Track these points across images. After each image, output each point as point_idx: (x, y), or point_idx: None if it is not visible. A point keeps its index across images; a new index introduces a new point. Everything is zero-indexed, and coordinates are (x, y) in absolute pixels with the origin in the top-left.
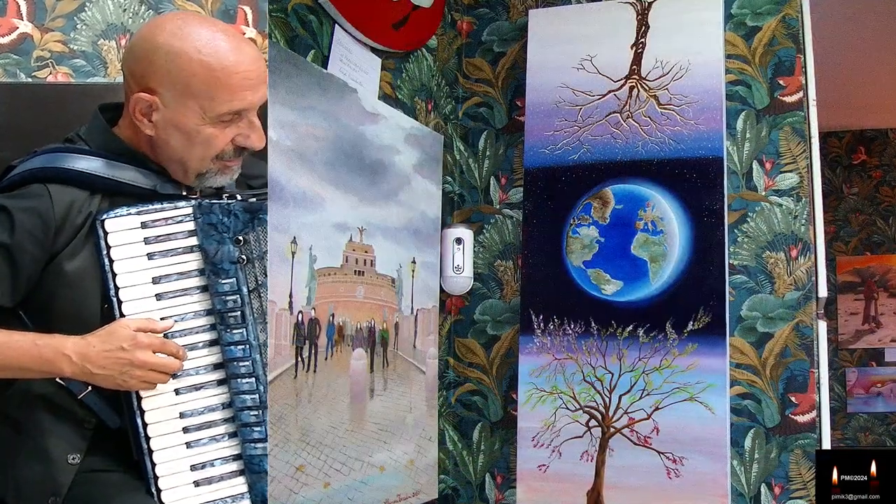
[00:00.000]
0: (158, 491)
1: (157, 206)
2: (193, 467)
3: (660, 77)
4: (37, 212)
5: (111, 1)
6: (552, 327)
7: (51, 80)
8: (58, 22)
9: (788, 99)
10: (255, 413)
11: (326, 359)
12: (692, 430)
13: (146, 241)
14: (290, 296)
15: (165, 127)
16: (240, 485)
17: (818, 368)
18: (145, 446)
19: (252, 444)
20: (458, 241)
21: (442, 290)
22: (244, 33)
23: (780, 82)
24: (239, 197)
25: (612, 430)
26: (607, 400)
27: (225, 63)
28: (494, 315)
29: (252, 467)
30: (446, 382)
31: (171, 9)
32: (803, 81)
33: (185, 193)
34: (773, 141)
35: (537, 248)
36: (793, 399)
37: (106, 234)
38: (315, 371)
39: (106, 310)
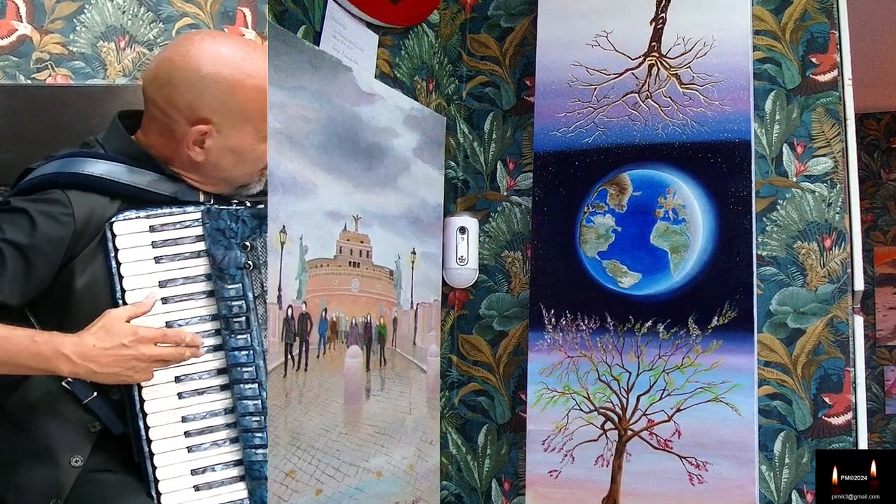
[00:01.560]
0: (158, 494)
1: (166, 210)
2: (194, 471)
3: (682, 54)
4: (56, 218)
5: (110, 3)
6: (564, 323)
7: (50, 82)
8: (57, 24)
9: (821, 78)
10: (258, 419)
11: (319, 357)
12: (717, 434)
13: (154, 244)
14: (279, 289)
15: (218, 151)
16: (240, 490)
17: (854, 367)
18: (146, 449)
19: (253, 450)
20: (462, 230)
21: (444, 283)
22: (243, 35)
23: (813, 60)
24: (248, 203)
25: (629, 433)
26: (624, 401)
27: (263, 81)
28: (501, 310)
29: (252, 473)
30: (449, 382)
31: (169, 11)
32: (838, 59)
33: (201, 200)
34: (804, 123)
35: (548, 237)
36: (826, 400)
37: (114, 236)
38: (306, 370)
39: None
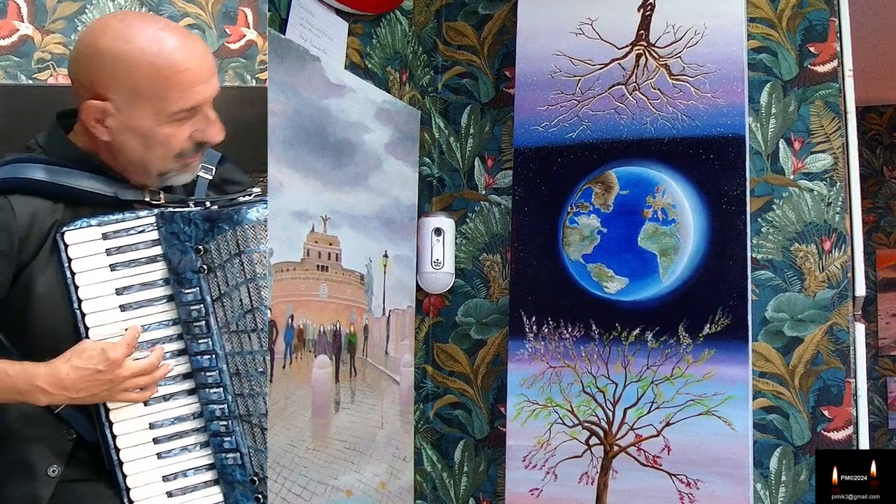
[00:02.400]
0: (131, 502)
1: (119, 216)
2: (166, 478)
3: (671, 43)
4: (1, 227)
5: (112, 3)
6: (546, 331)
7: (51, 82)
8: (58, 24)
9: (820, 69)
10: (225, 423)
11: (284, 367)
12: (709, 449)
13: (108, 252)
14: None
15: (121, 132)
16: (214, 494)
17: (855, 378)
18: (115, 458)
19: (223, 455)
20: (438, 231)
21: (419, 289)
22: (244, 35)
23: (811, 49)
24: (208, 203)
25: (615, 448)
26: (610, 414)
27: (172, 61)
28: (479, 317)
29: (226, 477)
30: (424, 394)
31: (170, 10)
32: (837, 48)
33: (147, 199)
34: (802, 117)
35: (529, 239)
36: (826, 413)
37: (66, 246)
38: (271, 381)
39: (73, 323)
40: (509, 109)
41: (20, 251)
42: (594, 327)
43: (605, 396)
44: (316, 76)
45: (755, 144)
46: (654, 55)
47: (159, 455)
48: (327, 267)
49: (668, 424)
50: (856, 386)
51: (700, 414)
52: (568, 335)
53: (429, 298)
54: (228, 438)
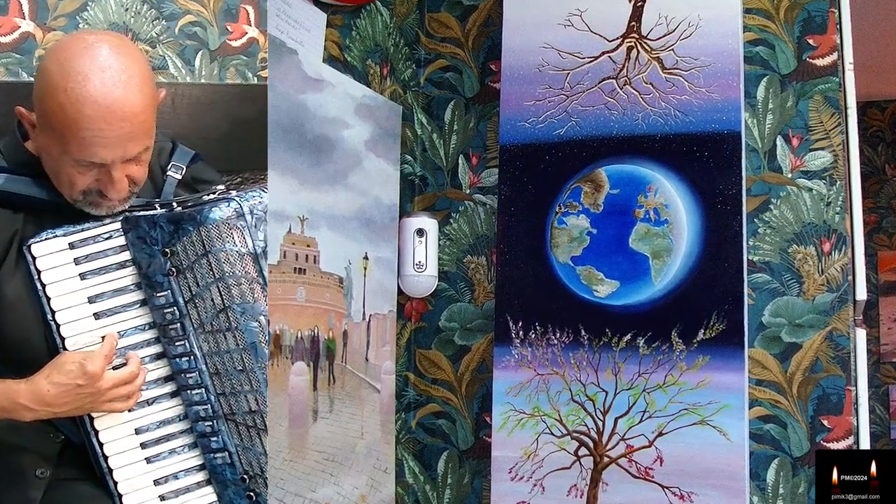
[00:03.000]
0: None
1: (83, 225)
2: (157, 482)
3: (664, 36)
4: None
5: (113, 0)
6: (533, 336)
7: None
8: (60, 21)
9: (819, 62)
10: (210, 423)
11: None
12: (703, 460)
13: (76, 261)
14: None
15: (39, 149)
16: (208, 494)
17: (856, 386)
18: (105, 465)
19: (212, 455)
20: (420, 232)
21: (400, 292)
22: (246, 33)
23: (810, 42)
24: (175, 204)
25: (605, 459)
26: (600, 424)
27: (79, 114)
28: (464, 322)
29: (217, 477)
30: (405, 403)
31: (172, 9)
32: (838, 41)
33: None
34: (800, 112)
35: (515, 241)
36: (825, 423)
37: (34, 259)
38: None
39: (48, 334)
40: (495, 105)
41: None
42: (583, 333)
43: (594, 405)
44: (293, 70)
45: (751, 141)
46: (646, 48)
47: (148, 460)
48: (305, 269)
49: (660, 434)
50: (856, 394)
51: (694, 424)
52: (556, 341)
53: (411, 302)
54: (215, 438)
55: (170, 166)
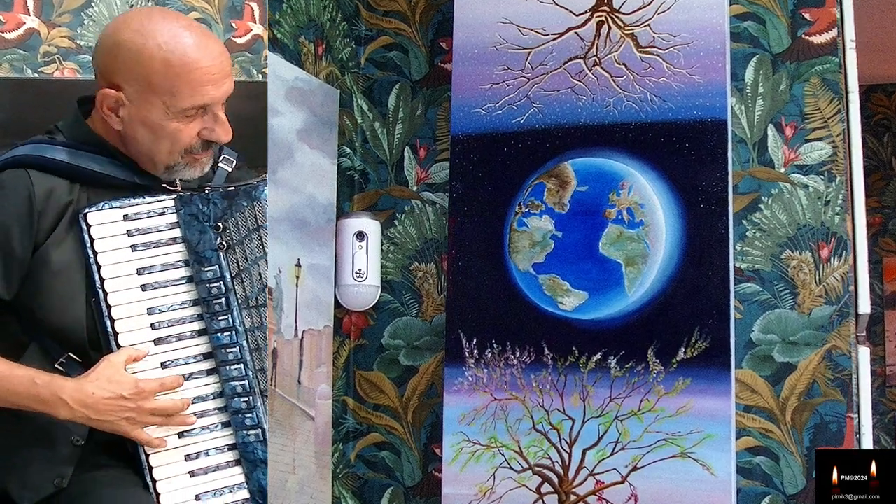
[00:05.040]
0: (154, 481)
1: (139, 199)
2: (188, 457)
3: (639, 9)
4: (18, 197)
5: None
6: (490, 356)
7: (57, 75)
8: (64, 17)
9: (817, 39)
10: (246, 399)
11: None
12: (684, 498)
13: (129, 233)
14: None
15: (132, 122)
16: (236, 475)
17: (858, 413)
18: None
19: (245, 432)
20: (360, 236)
21: (338, 305)
22: (250, 30)
23: (806, 16)
24: (221, 190)
25: (572, 497)
26: (566, 456)
27: (186, 59)
28: (410, 339)
29: (247, 455)
30: (344, 432)
31: (177, 5)
32: (837, 15)
33: (164, 185)
34: (795, 97)
35: (469, 245)
36: None
37: (89, 226)
38: None
39: (94, 302)
40: (446, 89)
41: (38, 224)
42: (547, 351)
43: (559, 435)
44: None
45: (739, 131)
46: (619, 23)
47: (181, 434)
48: None
49: (635, 469)
50: (859, 422)
51: (673, 456)
52: (515, 361)
53: (349, 317)
54: (250, 415)
55: (221, 158)
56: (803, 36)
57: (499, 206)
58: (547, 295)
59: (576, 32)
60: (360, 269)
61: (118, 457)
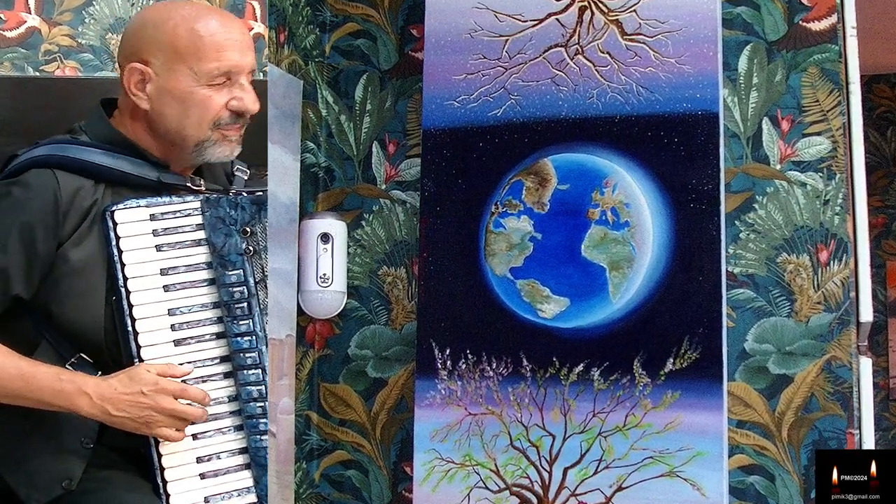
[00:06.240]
0: (164, 482)
1: (166, 199)
2: (199, 459)
3: None
4: (45, 197)
5: None
6: (464, 367)
7: (58, 74)
8: (66, 16)
9: (815, 26)
10: (262, 405)
11: None
12: None
13: (154, 233)
14: None
15: (160, 96)
16: (246, 478)
17: (860, 429)
18: (151, 438)
19: (258, 437)
20: (325, 238)
21: (301, 312)
22: (252, 28)
23: (803, 1)
24: (245, 194)
25: None
26: (546, 476)
27: (210, 26)
28: (379, 349)
29: (258, 460)
30: (307, 449)
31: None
32: (837, 0)
33: (189, 185)
34: (792, 89)
35: (442, 248)
36: None
37: (115, 224)
38: None
39: (114, 301)
40: (417, 79)
41: (63, 224)
42: (525, 363)
43: (538, 452)
44: None
45: (731, 125)
46: (603, 8)
47: (194, 436)
48: None
49: (620, 489)
50: (860, 439)
51: (661, 475)
52: (492, 373)
53: (313, 325)
54: (264, 420)
55: (235, 168)
56: (801, 22)
57: (474, 206)
58: (525, 301)
59: (556, 18)
60: (324, 274)
61: (129, 458)
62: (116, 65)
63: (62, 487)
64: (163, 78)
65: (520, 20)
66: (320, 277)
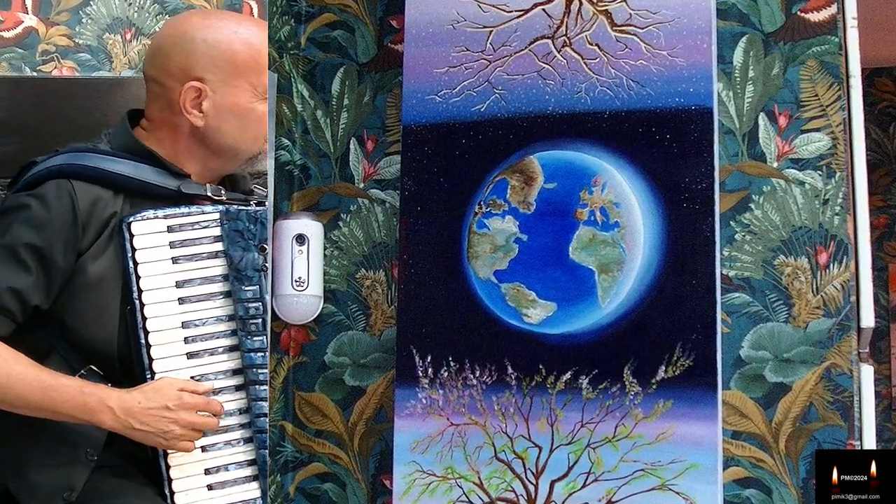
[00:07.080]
0: (172, 493)
1: (184, 210)
2: (208, 471)
3: None
4: (63, 210)
5: None
6: (446, 375)
7: (56, 74)
8: (63, 16)
9: (814, 17)
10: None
11: None
12: None
13: (171, 244)
14: None
15: (218, 113)
16: (253, 490)
17: (861, 440)
18: (160, 449)
19: (266, 450)
20: (300, 239)
21: (275, 318)
22: None
23: None
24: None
25: None
26: (532, 489)
27: (257, 38)
28: (356, 356)
29: (266, 473)
30: (282, 462)
31: (176, 3)
32: None
33: (209, 194)
34: (789, 83)
35: (423, 250)
36: None
37: (132, 236)
38: None
39: (129, 312)
40: (396, 73)
41: (81, 236)
42: (510, 370)
43: (524, 465)
44: None
45: (727, 120)
46: None
47: (203, 448)
48: None
49: (609, 503)
50: (861, 449)
51: (653, 489)
52: (475, 381)
53: (288, 331)
54: None
55: (252, 184)
56: (799, 13)
57: (456, 206)
58: (510, 306)
59: (543, 9)
60: (299, 277)
61: (136, 467)
62: (123, 64)
63: (63, 499)
64: (220, 95)
65: (504, 10)
66: (295, 281)
